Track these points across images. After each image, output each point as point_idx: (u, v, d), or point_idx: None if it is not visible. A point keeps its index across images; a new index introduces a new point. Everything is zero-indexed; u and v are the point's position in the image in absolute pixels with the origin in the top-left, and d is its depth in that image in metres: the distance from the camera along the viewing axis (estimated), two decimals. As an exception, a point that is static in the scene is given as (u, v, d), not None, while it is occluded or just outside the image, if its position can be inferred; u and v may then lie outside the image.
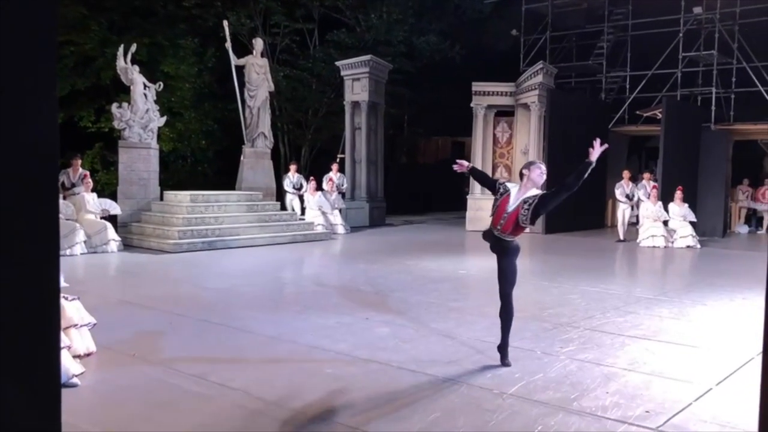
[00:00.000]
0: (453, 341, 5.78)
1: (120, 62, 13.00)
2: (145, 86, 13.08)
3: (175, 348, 5.47)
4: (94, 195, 11.83)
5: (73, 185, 11.71)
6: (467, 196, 17.04)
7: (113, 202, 12.24)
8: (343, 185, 16.44)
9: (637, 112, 18.28)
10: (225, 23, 14.92)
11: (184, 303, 7.27)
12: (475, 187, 16.77)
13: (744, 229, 17.51)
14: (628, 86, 18.61)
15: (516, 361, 5.15)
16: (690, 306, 7.49)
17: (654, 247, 13.67)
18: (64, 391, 3.72)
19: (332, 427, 3.81)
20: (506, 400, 4.26)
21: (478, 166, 16.58)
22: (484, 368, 4.95)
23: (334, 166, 16.49)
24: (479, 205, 16.65)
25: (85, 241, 11.07)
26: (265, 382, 4.59)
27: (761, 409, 0.92)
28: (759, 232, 17.33)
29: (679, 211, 13.97)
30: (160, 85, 13.53)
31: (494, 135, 16.89)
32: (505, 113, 16.90)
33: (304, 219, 14.74)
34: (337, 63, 18.05)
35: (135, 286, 8.51)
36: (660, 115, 16.23)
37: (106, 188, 17.15)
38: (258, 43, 15.17)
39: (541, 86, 16.08)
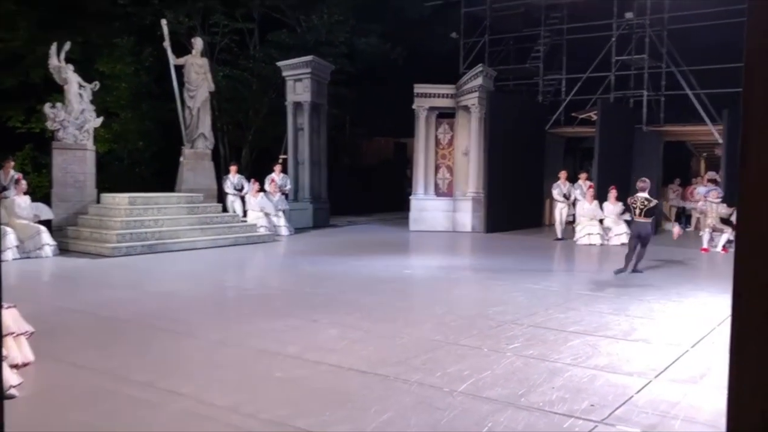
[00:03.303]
0: (402, 341, 5.83)
1: (53, 61, 12.55)
2: (80, 86, 12.68)
3: (119, 355, 5.33)
4: (27, 198, 11.40)
5: (4, 188, 11.28)
6: (410, 197, 17.17)
7: (46, 207, 11.83)
8: (286, 186, 16.32)
9: (573, 114, 18.80)
10: (163, 22, 14.62)
11: (125, 308, 7.09)
12: (418, 188, 16.94)
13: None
14: (563, 89, 19.13)
15: (464, 359, 5.25)
16: (628, 301, 7.76)
17: (590, 244, 14.09)
18: (5, 403, 3.60)
19: (285, 431, 3.79)
20: (456, 398, 4.33)
21: (421, 167, 16.89)
22: (433, 367, 5.01)
23: (277, 167, 16.36)
24: (422, 206, 16.84)
25: (17, 246, 10.65)
26: (214, 387, 4.53)
27: (729, 401, 0.98)
28: (688, 229, 18.05)
29: (614, 209, 14.44)
30: (96, 85, 13.13)
31: (436, 136, 17.08)
32: (446, 115, 17.11)
33: (246, 221, 14.57)
34: (279, 63, 17.91)
35: (73, 291, 8.25)
36: (595, 117, 16.74)
37: (37, 191, 16.51)
38: (197, 43, 14.92)
39: (480, 89, 16.35)
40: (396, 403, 4.22)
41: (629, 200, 10.31)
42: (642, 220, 9.80)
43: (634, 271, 9.81)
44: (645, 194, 9.89)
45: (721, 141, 15.68)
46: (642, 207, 9.77)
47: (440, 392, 4.45)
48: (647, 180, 10.29)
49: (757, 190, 0.85)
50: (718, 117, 15.88)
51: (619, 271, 9.81)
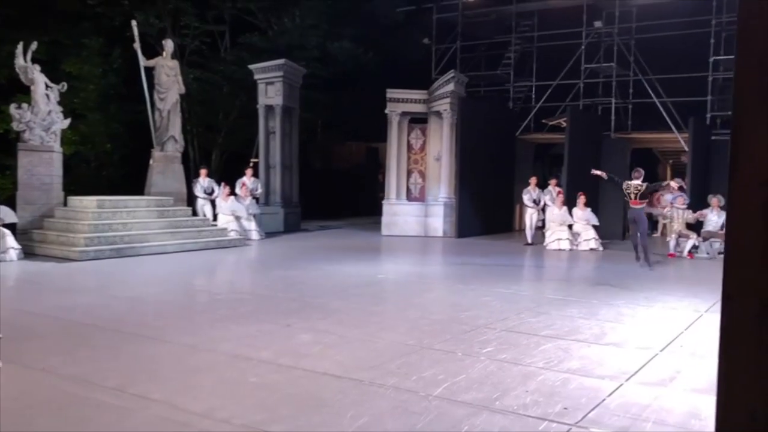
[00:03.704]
0: (376, 345, 5.82)
1: (19, 61, 12.32)
2: (47, 86, 12.46)
3: (88, 360, 5.23)
4: (-9, 201, 11.15)
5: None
6: (383, 202, 17.19)
7: (9, 210, 11.58)
8: (257, 190, 16.22)
9: (543, 121, 19.02)
10: (133, 23, 14.42)
11: (94, 313, 6.98)
12: (391, 192, 16.98)
13: (641, 232, 18.54)
14: (533, 96, 19.32)
15: (438, 363, 5.27)
16: (598, 306, 7.87)
17: (560, 249, 14.26)
18: (-28, 410, 3.52)
19: (261, 436, 3.76)
20: (432, 402, 4.34)
21: (393, 172, 16.93)
22: (408, 371, 5.02)
23: (248, 171, 16.25)
24: (395, 210, 16.86)
25: (-20, 250, 10.41)
26: (187, 392, 4.48)
27: (718, 403, 1.00)
28: (654, 235, 18.38)
29: (583, 215, 14.64)
30: (63, 86, 12.90)
31: (408, 141, 17.14)
32: (419, 120, 17.19)
33: (216, 225, 14.44)
34: (251, 66, 17.81)
35: (40, 296, 8.08)
36: (564, 124, 16.96)
37: (0, 193, 16.18)
38: (168, 45, 14.76)
39: (452, 94, 16.46)
40: (372, 408, 4.21)
41: (623, 186, 11.21)
42: (636, 205, 11.10)
43: (644, 261, 11.11)
44: (638, 181, 11.12)
45: (686, 148, 16.00)
46: (636, 192, 11.03)
47: (416, 396, 4.46)
48: (641, 170, 11.45)
49: (747, 194, 0.88)
50: (684, 125, 16.21)
51: (643, 264, 11.16)
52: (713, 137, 16.69)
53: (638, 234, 11.28)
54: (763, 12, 0.91)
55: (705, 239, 13.46)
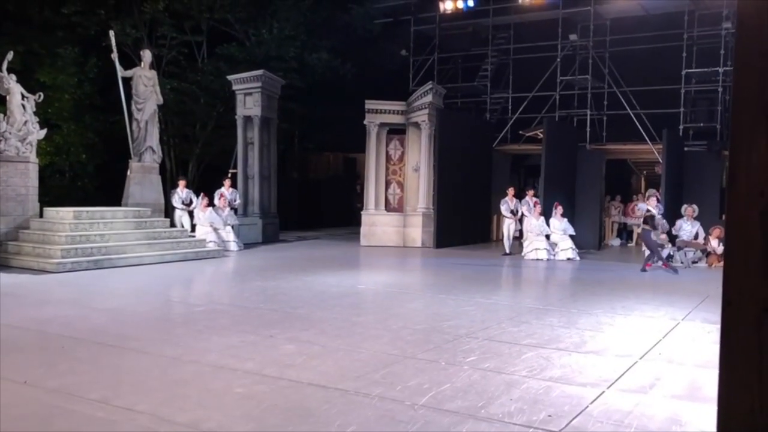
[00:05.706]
0: (359, 355, 5.85)
1: (-5, 71, 12.18)
2: (23, 96, 12.33)
3: (71, 372, 5.18)
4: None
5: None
6: (362, 212, 17.23)
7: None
8: (235, 201, 16.16)
9: (520, 132, 19.25)
10: (111, 33, 14.34)
11: (74, 325, 6.90)
12: (369, 202, 17.03)
13: (616, 242, 18.82)
14: (510, 107, 19.56)
15: (423, 372, 5.31)
16: (577, 315, 7.97)
17: (538, 259, 14.40)
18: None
19: (249, 447, 3.77)
20: (418, 411, 4.38)
21: (372, 182, 16.98)
22: (393, 381, 5.05)
23: (227, 182, 16.19)
24: (373, 221, 16.91)
25: (-46, 262, 10.24)
26: (173, 404, 4.46)
27: (719, 404, 1.06)
28: (629, 244, 18.66)
29: (560, 225, 14.83)
30: (40, 96, 12.79)
31: (387, 152, 17.22)
32: (397, 131, 17.29)
33: (194, 236, 14.36)
34: (229, 77, 17.79)
35: (17, 308, 7.96)
36: (541, 135, 17.17)
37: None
38: (146, 55, 14.70)
39: (430, 106, 16.59)
40: (359, 417, 4.24)
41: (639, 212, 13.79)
42: (645, 227, 13.12)
43: (659, 261, 12.85)
44: (646, 207, 13.35)
45: (660, 160, 16.30)
46: (642, 216, 13.36)
47: (402, 405, 4.49)
48: (650, 199, 13.68)
49: (746, 204, 0.94)
50: (658, 136, 16.52)
51: (642, 268, 12.85)
52: (686, 148, 17.03)
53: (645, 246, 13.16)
54: (761, 29, 0.98)
55: (679, 248, 13.69)
